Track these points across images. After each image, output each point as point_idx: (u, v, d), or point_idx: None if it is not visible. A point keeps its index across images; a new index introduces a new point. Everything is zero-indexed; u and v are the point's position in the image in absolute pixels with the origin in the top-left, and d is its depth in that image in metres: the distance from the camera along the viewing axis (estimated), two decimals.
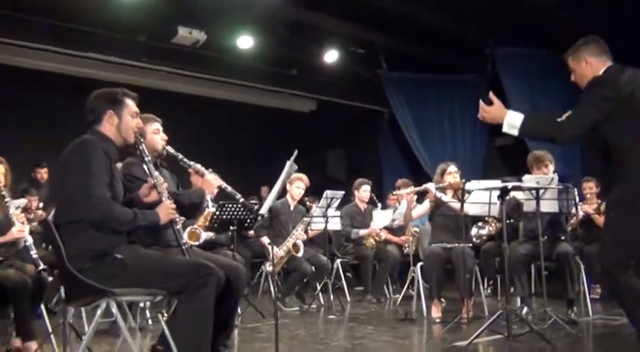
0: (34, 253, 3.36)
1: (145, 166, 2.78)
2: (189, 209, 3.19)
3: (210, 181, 3.17)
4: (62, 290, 4.23)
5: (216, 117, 9.22)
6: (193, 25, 7.37)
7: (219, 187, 3.23)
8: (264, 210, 3.06)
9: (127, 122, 2.73)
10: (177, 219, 2.77)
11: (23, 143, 7.34)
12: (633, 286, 2.84)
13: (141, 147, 2.79)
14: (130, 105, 2.76)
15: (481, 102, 3.07)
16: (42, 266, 3.40)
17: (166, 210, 2.69)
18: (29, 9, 6.69)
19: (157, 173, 2.79)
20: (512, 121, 2.93)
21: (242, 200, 3.28)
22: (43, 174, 7.30)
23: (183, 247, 2.67)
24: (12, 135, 7.22)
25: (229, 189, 3.26)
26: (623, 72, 2.98)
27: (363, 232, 6.55)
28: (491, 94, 3.13)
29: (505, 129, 2.95)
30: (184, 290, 2.48)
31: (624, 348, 3.27)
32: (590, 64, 3.04)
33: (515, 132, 2.94)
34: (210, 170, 3.32)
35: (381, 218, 6.61)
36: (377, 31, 8.29)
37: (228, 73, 8.68)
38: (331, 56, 8.66)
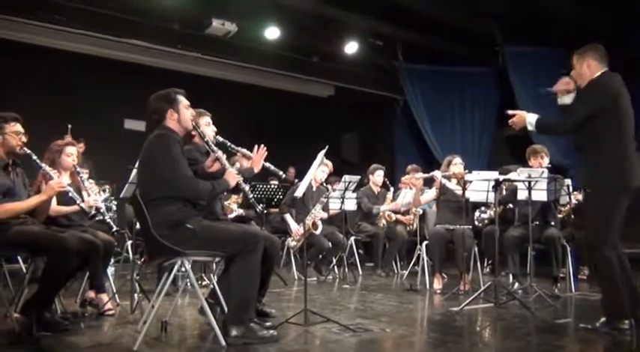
0: (107, 217, 4.03)
1: (205, 145, 3.44)
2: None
3: (258, 160, 3.78)
4: (130, 251, 5.00)
5: (242, 101, 9.67)
6: (226, 17, 7.99)
7: (264, 166, 3.85)
8: (299, 193, 3.68)
9: (184, 114, 3.35)
10: (243, 182, 3.45)
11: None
12: (609, 259, 3.49)
13: (199, 130, 3.45)
14: (182, 99, 3.38)
15: (509, 113, 3.87)
16: (115, 228, 4.08)
17: (232, 176, 3.35)
18: None
19: (216, 148, 3.44)
20: (531, 120, 3.75)
21: (284, 175, 3.92)
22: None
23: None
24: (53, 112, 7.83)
25: (272, 167, 3.92)
26: (612, 77, 3.60)
27: (384, 207, 7.09)
28: (508, 112, 3.91)
29: (528, 127, 3.77)
30: (238, 254, 3.13)
31: (591, 314, 3.87)
32: (590, 67, 3.68)
33: (532, 128, 3.76)
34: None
35: (408, 196, 6.80)
36: (395, 25, 8.82)
37: (255, 60, 9.25)
38: (351, 47, 9.22)
